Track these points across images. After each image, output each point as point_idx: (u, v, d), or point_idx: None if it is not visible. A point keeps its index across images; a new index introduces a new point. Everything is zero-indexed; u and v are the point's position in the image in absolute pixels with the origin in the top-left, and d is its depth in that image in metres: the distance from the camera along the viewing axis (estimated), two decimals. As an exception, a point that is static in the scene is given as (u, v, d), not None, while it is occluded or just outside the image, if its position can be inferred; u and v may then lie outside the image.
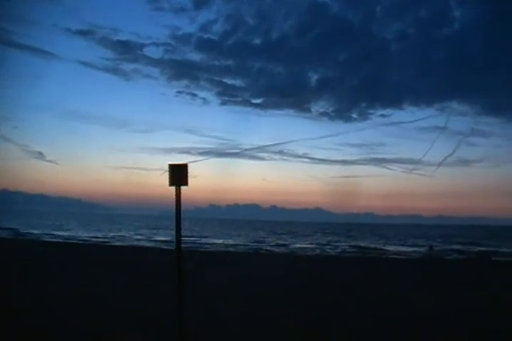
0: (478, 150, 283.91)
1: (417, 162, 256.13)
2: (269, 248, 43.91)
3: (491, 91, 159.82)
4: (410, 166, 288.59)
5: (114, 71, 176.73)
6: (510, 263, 29.87)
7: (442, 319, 9.56)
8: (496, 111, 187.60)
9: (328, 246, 49.37)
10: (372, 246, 52.22)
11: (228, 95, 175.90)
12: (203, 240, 53.54)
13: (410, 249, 47.30)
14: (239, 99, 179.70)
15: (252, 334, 7.84)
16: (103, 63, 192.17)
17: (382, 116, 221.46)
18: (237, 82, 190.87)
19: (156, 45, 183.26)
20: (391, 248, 49.54)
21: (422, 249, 46.80)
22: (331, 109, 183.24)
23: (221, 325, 8.37)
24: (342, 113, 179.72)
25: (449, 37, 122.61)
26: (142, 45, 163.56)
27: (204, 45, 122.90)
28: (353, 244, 55.83)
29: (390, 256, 36.35)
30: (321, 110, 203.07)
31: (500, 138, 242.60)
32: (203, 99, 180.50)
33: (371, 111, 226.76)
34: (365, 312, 10.05)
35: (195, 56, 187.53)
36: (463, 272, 21.22)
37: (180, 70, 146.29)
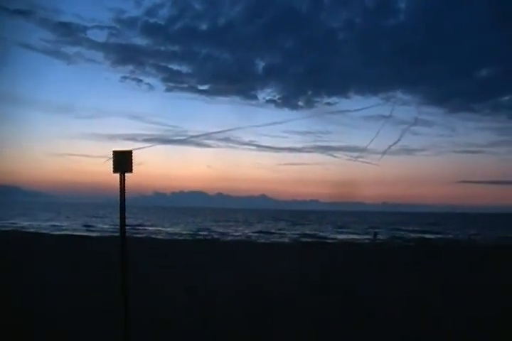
0: (421, 139, 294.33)
1: (363, 150, 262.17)
2: (215, 235, 43.94)
3: (434, 82, 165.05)
4: (356, 154, 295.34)
5: (55, 54, 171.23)
6: (449, 248, 31.15)
7: (392, 301, 9.83)
8: (438, 102, 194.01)
9: (272, 234, 49.82)
10: (318, 233, 53.22)
11: (174, 81, 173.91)
12: (148, 228, 52.99)
13: (356, 236, 48.42)
14: (185, 85, 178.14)
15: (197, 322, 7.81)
16: (44, 45, 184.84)
17: (328, 104, 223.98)
18: (183, 68, 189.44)
19: (100, 28, 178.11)
20: (335, 235, 50.60)
21: (366, 236, 47.93)
22: (277, 96, 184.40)
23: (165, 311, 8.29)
24: (288, 100, 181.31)
25: (395, 28, 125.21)
26: (85, 28, 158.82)
27: (150, 29, 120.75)
28: (298, 231, 56.64)
29: (334, 242, 37.16)
30: (268, 97, 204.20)
31: (443, 128, 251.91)
32: (149, 84, 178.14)
33: (317, 99, 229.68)
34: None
35: (141, 41, 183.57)
36: (405, 257, 21.89)
37: (125, 55, 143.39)
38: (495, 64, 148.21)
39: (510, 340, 7.21)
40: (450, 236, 48.35)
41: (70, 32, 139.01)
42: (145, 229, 49.63)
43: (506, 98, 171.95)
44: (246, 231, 52.23)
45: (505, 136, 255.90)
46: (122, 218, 5.11)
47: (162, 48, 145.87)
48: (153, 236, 39.44)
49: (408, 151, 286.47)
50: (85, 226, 52.08)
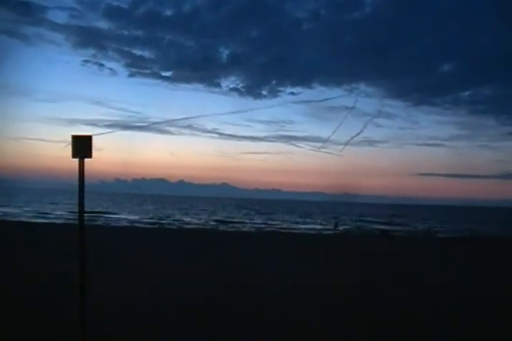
0: (383, 132, 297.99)
1: (325, 140, 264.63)
2: (175, 223, 43.71)
3: (397, 75, 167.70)
4: (318, 144, 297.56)
5: (13, 34, 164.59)
6: (407, 238, 31.85)
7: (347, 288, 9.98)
8: (401, 95, 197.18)
9: (233, 223, 49.90)
10: (279, 222, 53.60)
11: (137, 67, 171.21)
12: (107, 216, 52.21)
13: (317, 226, 48.97)
14: (148, 71, 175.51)
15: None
16: (1, 25, 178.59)
17: (292, 94, 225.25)
18: (147, 54, 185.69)
19: (61, 9, 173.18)
20: (297, 225, 51.03)
21: (327, 226, 48.53)
22: (241, 85, 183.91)
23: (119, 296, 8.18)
24: (252, 89, 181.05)
25: (360, 20, 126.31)
26: (45, 8, 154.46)
27: (113, 13, 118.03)
28: (259, 220, 56.90)
29: (294, 232, 37.51)
30: (231, 86, 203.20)
31: (404, 121, 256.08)
32: (111, 69, 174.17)
33: (281, 89, 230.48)
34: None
35: (103, 24, 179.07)
36: (365, 245, 22.25)
37: (87, 38, 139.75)
38: (456, 59, 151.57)
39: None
40: (410, 227, 49.35)
41: (29, 11, 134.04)
42: (104, 217, 48.86)
43: (466, 93, 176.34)
44: (206, 220, 52.19)
45: (465, 131, 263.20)
46: (81, 205, 4.96)
47: (125, 32, 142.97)
48: (112, 223, 38.96)
49: (370, 143, 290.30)
50: (40, 213, 50.48)
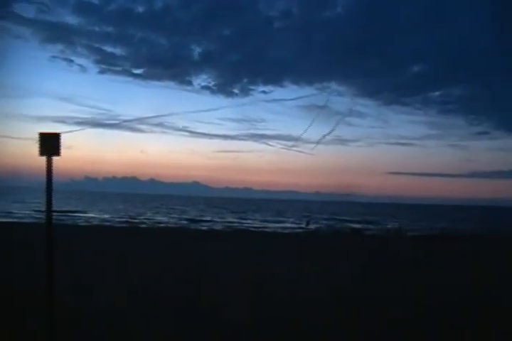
0: (354, 130, 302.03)
1: (297, 139, 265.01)
2: (145, 222, 43.32)
3: (368, 75, 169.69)
4: (290, 143, 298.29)
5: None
6: (379, 236, 32.18)
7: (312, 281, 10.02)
8: (372, 94, 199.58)
9: (203, 222, 49.77)
10: (250, 221, 53.67)
11: (107, 63, 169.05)
12: (76, 214, 51.44)
13: (289, 225, 49.17)
14: (119, 68, 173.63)
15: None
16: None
17: (264, 92, 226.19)
18: (118, 51, 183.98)
19: (29, 2, 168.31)
20: (269, 223, 51.13)
21: (299, 225, 48.76)
22: (212, 83, 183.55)
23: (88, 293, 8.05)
24: (224, 87, 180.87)
25: (331, 19, 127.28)
26: (12, 1, 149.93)
27: (83, 8, 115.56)
28: (231, 219, 56.85)
29: (265, 230, 37.58)
30: (203, 84, 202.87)
31: (375, 120, 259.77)
32: (80, 65, 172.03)
33: (252, 87, 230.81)
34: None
35: (73, 19, 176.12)
36: (336, 244, 22.40)
37: (56, 33, 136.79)
38: (427, 60, 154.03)
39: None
40: (381, 226, 49.88)
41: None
42: (73, 216, 48.07)
43: (436, 93, 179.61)
44: (177, 218, 51.87)
45: (435, 130, 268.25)
46: (49, 203, 4.84)
47: (96, 29, 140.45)
48: (80, 222, 38.42)
49: (342, 141, 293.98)
50: (5, 212, 49.06)
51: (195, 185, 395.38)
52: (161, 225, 39.16)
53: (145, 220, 46.42)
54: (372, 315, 7.75)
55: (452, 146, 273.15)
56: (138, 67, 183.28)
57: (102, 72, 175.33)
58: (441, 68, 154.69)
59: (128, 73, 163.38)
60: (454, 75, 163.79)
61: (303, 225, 46.83)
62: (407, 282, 11.33)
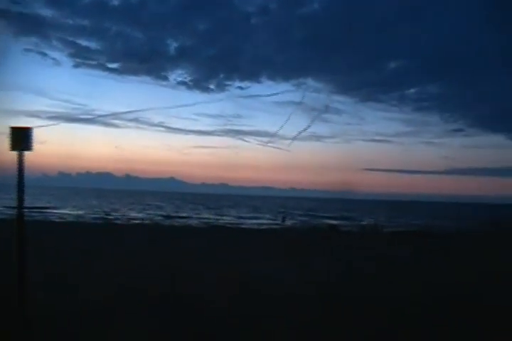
0: (330, 127, 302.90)
1: (273, 135, 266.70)
2: (119, 218, 42.90)
3: (345, 71, 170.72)
4: (266, 139, 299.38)
5: None
6: (355, 233, 32.47)
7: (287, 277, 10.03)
8: (348, 91, 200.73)
9: (178, 218, 49.53)
10: (225, 216, 53.60)
11: (82, 57, 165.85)
12: (49, 211, 50.65)
13: (264, 221, 49.24)
14: (94, 62, 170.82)
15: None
16: None
17: (240, 88, 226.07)
18: (93, 44, 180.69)
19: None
20: (244, 219, 51.12)
21: (275, 221, 48.84)
22: (188, 78, 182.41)
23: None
24: (200, 83, 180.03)
25: (308, 16, 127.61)
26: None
27: (57, 0, 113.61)
28: (206, 215, 56.68)
29: (242, 227, 37.57)
30: (179, 79, 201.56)
31: (352, 117, 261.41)
32: (55, 59, 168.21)
33: (229, 83, 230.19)
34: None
35: (47, 11, 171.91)
36: (313, 241, 22.49)
37: (29, 26, 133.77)
38: (403, 57, 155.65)
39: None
40: (357, 222, 50.29)
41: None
42: (45, 212, 47.33)
43: (412, 90, 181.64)
44: (153, 214, 51.51)
45: (410, 127, 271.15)
46: (20, 199, 4.74)
47: (70, 22, 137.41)
48: (53, 219, 37.86)
49: (318, 138, 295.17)
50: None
51: (171, 180, 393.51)
52: (136, 221, 38.79)
53: (120, 216, 45.97)
54: (349, 312, 7.80)
55: (428, 143, 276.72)
56: (113, 61, 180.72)
57: (76, 65, 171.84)
58: (417, 65, 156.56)
59: (103, 67, 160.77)
60: (430, 73, 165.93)
61: (279, 221, 46.91)
62: (383, 278, 11.44)
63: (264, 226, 38.80)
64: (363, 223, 47.41)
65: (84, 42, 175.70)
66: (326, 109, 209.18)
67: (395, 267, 13.66)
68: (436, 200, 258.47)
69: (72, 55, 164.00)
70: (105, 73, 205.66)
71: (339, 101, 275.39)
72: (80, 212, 49.64)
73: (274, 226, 38.74)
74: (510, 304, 8.62)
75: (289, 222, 45.90)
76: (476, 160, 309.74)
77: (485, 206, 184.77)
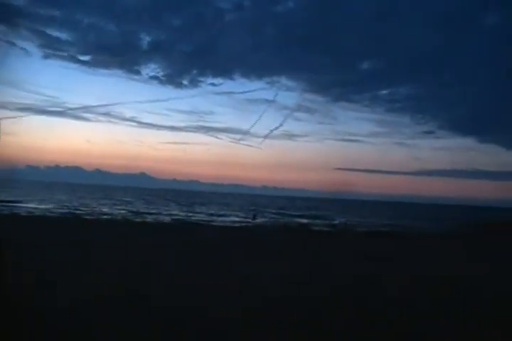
0: (303, 126, 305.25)
1: (245, 133, 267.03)
2: (87, 213, 42.23)
3: (318, 71, 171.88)
4: (238, 136, 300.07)
5: None
6: (326, 232, 32.73)
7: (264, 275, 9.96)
8: (321, 90, 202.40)
9: (147, 214, 49.07)
10: (195, 213, 53.30)
11: (53, 48, 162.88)
12: (16, 204, 49.51)
13: (236, 218, 49.11)
14: (64, 53, 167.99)
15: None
16: None
17: (213, 84, 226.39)
18: (64, 36, 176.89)
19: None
20: (215, 217, 50.91)
21: (245, 218, 48.74)
22: (161, 73, 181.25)
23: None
24: (173, 78, 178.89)
25: (283, 14, 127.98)
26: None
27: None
28: (177, 211, 56.28)
29: (212, 224, 37.39)
30: (152, 74, 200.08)
31: (324, 116, 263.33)
32: (24, 49, 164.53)
33: (202, 79, 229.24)
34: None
35: (16, 0, 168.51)
36: (283, 239, 22.50)
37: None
38: (376, 58, 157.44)
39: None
40: (327, 221, 50.51)
41: None
42: (12, 206, 46.23)
43: (384, 92, 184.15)
44: (122, 210, 50.86)
45: (382, 128, 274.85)
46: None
47: (41, 11, 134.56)
48: (19, 213, 37.03)
49: (289, 136, 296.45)
50: None
51: (142, 176, 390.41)
52: (106, 217, 38.23)
53: (89, 211, 45.21)
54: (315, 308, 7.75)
55: (399, 144, 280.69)
56: (85, 53, 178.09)
57: (46, 56, 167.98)
58: (390, 67, 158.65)
59: (74, 59, 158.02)
60: (402, 74, 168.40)
61: (250, 219, 46.87)
62: (348, 274, 11.47)
63: (235, 224, 38.72)
64: (334, 222, 47.70)
65: (55, 33, 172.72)
66: (299, 107, 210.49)
67: (360, 264, 13.71)
68: (406, 201, 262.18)
69: (42, 46, 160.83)
70: (76, 65, 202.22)
71: (312, 100, 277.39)
72: (48, 206, 48.63)
73: (245, 224, 38.66)
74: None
75: (259, 220, 45.88)
76: (445, 162, 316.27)
77: (453, 207, 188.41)
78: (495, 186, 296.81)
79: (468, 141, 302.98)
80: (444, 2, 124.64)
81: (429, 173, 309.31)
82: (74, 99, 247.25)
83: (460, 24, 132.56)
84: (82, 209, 48.30)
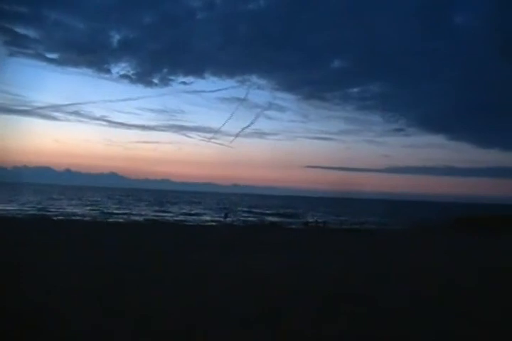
0: (274, 124, 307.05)
1: (216, 131, 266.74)
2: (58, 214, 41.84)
3: (289, 69, 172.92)
4: (209, 135, 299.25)
5: None
6: (297, 229, 33.13)
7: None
8: (292, 88, 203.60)
9: (117, 214, 48.82)
10: (167, 212, 53.19)
11: (19, 46, 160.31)
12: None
13: (207, 217, 49.21)
14: (31, 51, 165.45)
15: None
16: None
17: (184, 83, 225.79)
18: (30, 33, 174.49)
19: None
20: (184, 215, 50.90)
21: (214, 217, 48.86)
22: (132, 71, 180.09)
23: None
24: (143, 77, 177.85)
25: (254, 12, 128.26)
26: None
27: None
28: (148, 211, 56.08)
29: (184, 223, 37.46)
30: (122, 72, 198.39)
31: (295, 114, 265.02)
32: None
33: (172, 78, 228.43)
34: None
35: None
36: (255, 238, 22.75)
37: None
38: (346, 57, 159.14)
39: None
40: (299, 219, 50.83)
41: None
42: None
43: (355, 90, 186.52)
44: (93, 210, 50.45)
45: (353, 126, 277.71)
46: None
47: (6, 7, 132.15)
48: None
49: (261, 135, 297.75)
50: None
51: (113, 176, 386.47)
52: (76, 218, 37.97)
53: (58, 212, 44.75)
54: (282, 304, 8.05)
55: (369, 142, 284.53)
56: (52, 51, 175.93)
57: (12, 54, 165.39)
58: (361, 65, 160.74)
59: (41, 57, 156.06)
60: (373, 73, 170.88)
61: (221, 218, 46.98)
62: (321, 271, 11.81)
63: (207, 223, 38.82)
64: (305, 220, 48.15)
65: (21, 30, 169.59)
66: (270, 106, 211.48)
67: (331, 261, 14.07)
68: (377, 198, 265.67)
69: (7, 43, 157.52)
70: (44, 63, 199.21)
71: (283, 98, 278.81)
72: (14, 207, 47.93)
73: (217, 223, 38.78)
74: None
75: (231, 219, 46.05)
76: (415, 159, 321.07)
77: (422, 204, 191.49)
78: (465, 183, 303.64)
79: (439, 139, 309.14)
80: (413, 2, 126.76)
81: (400, 170, 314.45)
82: (42, 98, 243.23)
83: (429, 24, 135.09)
84: (51, 210, 47.76)
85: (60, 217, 37.25)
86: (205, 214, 54.80)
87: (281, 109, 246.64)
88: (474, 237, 27.39)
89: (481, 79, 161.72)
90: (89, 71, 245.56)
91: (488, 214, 44.91)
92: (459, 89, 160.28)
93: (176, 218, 45.09)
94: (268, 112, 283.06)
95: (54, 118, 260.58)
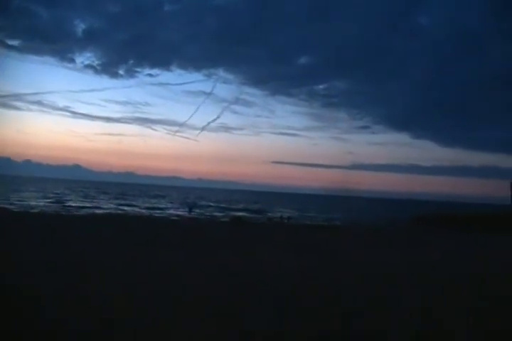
0: (240, 119, 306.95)
1: (182, 125, 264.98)
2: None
3: (257, 64, 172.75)
4: (175, 128, 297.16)
5: None
6: (261, 224, 33.15)
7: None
8: (259, 83, 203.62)
9: (78, 208, 47.96)
10: (130, 205, 52.58)
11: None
12: None
13: (172, 211, 48.84)
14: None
15: None
16: None
17: (150, 75, 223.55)
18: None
19: None
20: (148, 209, 50.39)
21: (178, 211, 48.54)
22: (97, 62, 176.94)
23: None
24: (108, 68, 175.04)
25: (222, 6, 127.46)
26: None
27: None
28: (112, 204, 55.32)
29: (148, 216, 37.03)
30: (86, 62, 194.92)
31: (262, 109, 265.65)
32: None
33: (139, 70, 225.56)
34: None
35: None
36: (219, 232, 22.64)
37: None
38: (313, 53, 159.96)
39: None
40: (263, 214, 50.89)
41: None
42: None
43: (321, 86, 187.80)
44: (55, 203, 49.33)
45: (319, 122, 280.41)
46: None
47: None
48: None
49: (227, 129, 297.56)
50: None
51: (76, 168, 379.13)
52: (35, 211, 36.99)
53: (16, 204, 43.58)
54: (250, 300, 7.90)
55: (335, 138, 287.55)
56: (13, 38, 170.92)
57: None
58: (327, 62, 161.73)
59: (2, 44, 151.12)
60: (339, 69, 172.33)
61: (186, 212, 46.72)
62: (288, 266, 11.73)
63: (171, 216, 38.52)
64: (269, 215, 48.28)
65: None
66: (236, 100, 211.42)
67: (296, 256, 14.04)
68: (341, 194, 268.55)
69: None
70: (4, 50, 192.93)
71: (250, 93, 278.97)
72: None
73: (181, 217, 38.49)
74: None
75: (195, 213, 45.82)
76: (380, 157, 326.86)
77: (386, 201, 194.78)
78: (429, 181, 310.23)
79: (403, 137, 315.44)
80: (379, 1, 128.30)
81: (365, 167, 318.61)
82: (2, 87, 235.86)
83: (395, 23, 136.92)
84: (6, 201, 46.32)
85: (20, 209, 36.29)
86: (169, 207, 54.34)
87: (247, 103, 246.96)
88: (430, 235, 27.84)
89: (444, 78, 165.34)
90: (52, 60, 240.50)
91: (449, 213, 45.72)
92: (423, 88, 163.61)
93: (139, 211, 44.52)
94: (234, 107, 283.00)
95: (15, 108, 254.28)
